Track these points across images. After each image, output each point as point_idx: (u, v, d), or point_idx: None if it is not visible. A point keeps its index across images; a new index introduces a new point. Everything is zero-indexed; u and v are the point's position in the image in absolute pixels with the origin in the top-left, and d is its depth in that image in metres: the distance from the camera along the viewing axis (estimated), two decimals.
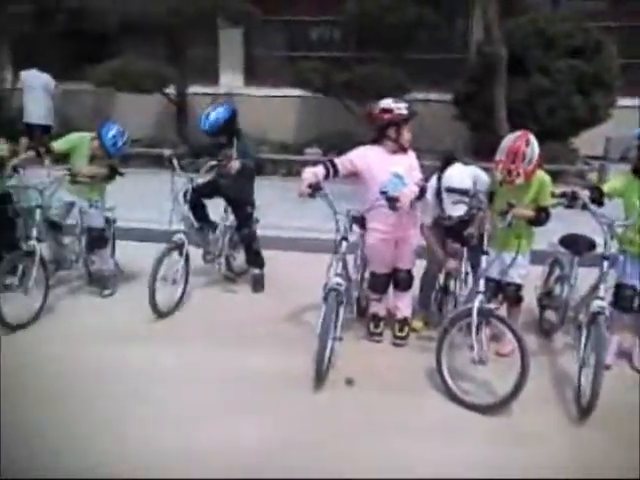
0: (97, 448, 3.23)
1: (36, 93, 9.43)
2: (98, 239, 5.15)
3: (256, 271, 5.54)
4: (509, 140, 3.97)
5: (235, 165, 4.91)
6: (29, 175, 5.03)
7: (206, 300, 5.24)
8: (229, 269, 5.66)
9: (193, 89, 10.93)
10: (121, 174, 5.11)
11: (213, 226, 5.45)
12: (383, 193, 4.01)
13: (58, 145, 5.04)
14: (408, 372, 4.08)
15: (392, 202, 3.95)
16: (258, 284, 5.50)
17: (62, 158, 5.11)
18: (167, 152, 5.29)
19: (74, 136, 5.11)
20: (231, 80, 11.62)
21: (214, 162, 5.01)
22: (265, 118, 10.22)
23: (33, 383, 3.83)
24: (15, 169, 4.82)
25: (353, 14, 9.71)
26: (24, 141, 9.01)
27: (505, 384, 3.62)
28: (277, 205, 6.91)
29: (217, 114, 5.04)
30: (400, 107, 4.20)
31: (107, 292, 5.26)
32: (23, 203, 5.17)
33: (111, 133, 4.97)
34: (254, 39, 11.73)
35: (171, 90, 10.65)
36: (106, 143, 4.95)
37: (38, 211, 4.75)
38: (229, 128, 5.09)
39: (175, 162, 5.11)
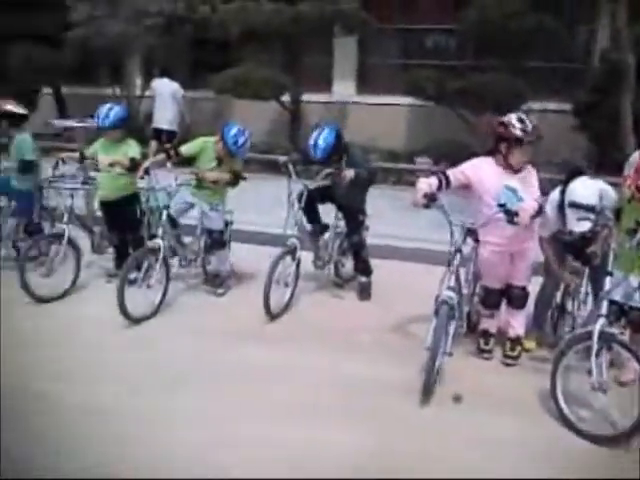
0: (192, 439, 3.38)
1: (165, 100, 9.98)
2: (218, 241, 5.35)
3: (363, 279, 5.57)
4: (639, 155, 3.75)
5: (349, 174, 4.97)
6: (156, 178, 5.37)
7: (314, 305, 5.33)
8: (337, 275, 5.74)
9: (307, 97, 11.16)
10: (244, 178, 5.28)
11: (324, 227, 5.53)
12: (501, 206, 3.91)
13: (185, 149, 5.26)
14: (519, 393, 3.94)
15: (511, 216, 3.85)
16: (365, 292, 5.53)
17: (186, 162, 5.35)
18: (283, 159, 5.45)
19: (199, 141, 5.30)
20: (344, 88, 11.75)
21: (329, 170, 5.10)
22: (376, 126, 10.25)
23: (155, 373, 4.07)
24: (147, 171, 5.12)
25: (473, 21, 9.51)
26: (154, 144, 9.62)
27: (626, 415, 3.42)
28: (386, 214, 6.90)
29: (325, 140, 4.99)
30: (516, 126, 4.02)
31: (221, 291, 5.49)
32: (152, 204, 5.51)
33: (232, 132, 5.10)
34: (368, 47, 11.80)
35: (286, 97, 10.94)
36: (228, 142, 5.07)
37: (165, 212, 5.04)
38: (338, 147, 5.08)
39: (291, 168, 5.26)
